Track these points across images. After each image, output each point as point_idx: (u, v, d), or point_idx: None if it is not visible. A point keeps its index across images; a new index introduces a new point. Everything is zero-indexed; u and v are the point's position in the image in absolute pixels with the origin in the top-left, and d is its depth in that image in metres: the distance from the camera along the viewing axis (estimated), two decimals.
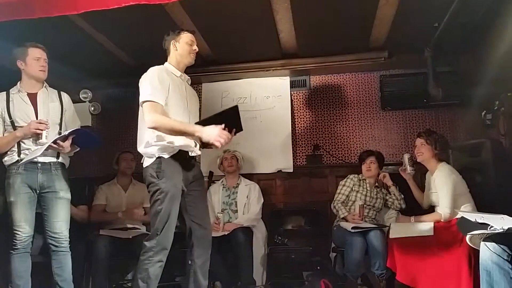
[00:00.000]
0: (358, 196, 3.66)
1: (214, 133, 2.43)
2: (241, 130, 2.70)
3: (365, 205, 3.60)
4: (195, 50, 2.76)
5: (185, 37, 2.73)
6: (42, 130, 2.72)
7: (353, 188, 3.70)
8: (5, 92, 2.87)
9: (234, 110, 2.63)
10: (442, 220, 3.14)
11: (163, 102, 2.54)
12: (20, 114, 2.81)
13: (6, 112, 2.80)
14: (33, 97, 2.87)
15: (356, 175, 3.77)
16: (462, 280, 2.72)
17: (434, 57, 3.94)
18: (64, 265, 2.82)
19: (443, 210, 3.14)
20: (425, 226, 3.14)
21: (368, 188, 3.69)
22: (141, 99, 2.54)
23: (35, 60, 2.83)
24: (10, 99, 2.83)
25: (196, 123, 2.57)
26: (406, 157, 3.50)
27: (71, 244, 2.86)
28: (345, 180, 3.78)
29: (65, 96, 3.03)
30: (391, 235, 3.17)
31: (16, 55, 2.85)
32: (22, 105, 2.83)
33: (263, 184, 4.30)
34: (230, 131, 2.53)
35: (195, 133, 2.49)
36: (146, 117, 2.50)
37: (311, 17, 3.44)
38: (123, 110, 4.59)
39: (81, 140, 2.85)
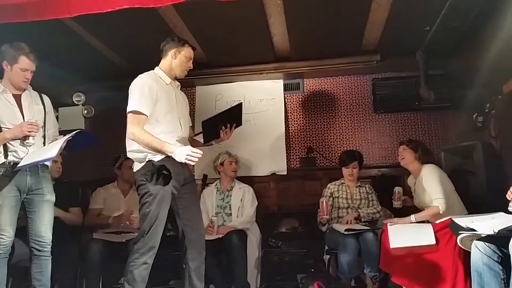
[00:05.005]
0: (340, 201, 3.70)
1: (184, 154, 2.46)
2: (240, 124, 2.87)
3: (351, 208, 3.64)
4: (190, 67, 2.80)
5: (187, 51, 2.77)
6: (35, 132, 2.66)
7: (333, 195, 3.74)
8: None
9: (239, 107, 2.79)
10: (440, 213, 3.10)
11: (148, 112, 2.57)
12: (6, 116, 2.69)
13: None
14: (17, 99, 2.77)
15: (332, 183, 3.83)
16: (458, 282, 2.73)
17: (425, 60, 3.98)
18: (44, 269, 2.74)
19: (438, 202, 3.14)
20: (426, 235, 2.99)
21: (349, 191, 3.73)
22: (128, 108, 2.58)
23: (21, 70, 2.71)
24: None
25: (203, 122, 2.70)
26: (396, 190, 3.47)
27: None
28: (323, 192, 3.82)
29: (47, 99, 2.97)
30: (391, 245, 3.02)
31: (5, 55, 2.72)
32: (8, 107, 2.72)
33: (257, 187, 4.30)
34: (231, 127, 2.77)
35: (170, 153, 2.52)
36: (128, 128, 2.57)
37: (304, 20, 3.46)
38: (116, 113, 4.46)
39: (74, 142, 2.76)
